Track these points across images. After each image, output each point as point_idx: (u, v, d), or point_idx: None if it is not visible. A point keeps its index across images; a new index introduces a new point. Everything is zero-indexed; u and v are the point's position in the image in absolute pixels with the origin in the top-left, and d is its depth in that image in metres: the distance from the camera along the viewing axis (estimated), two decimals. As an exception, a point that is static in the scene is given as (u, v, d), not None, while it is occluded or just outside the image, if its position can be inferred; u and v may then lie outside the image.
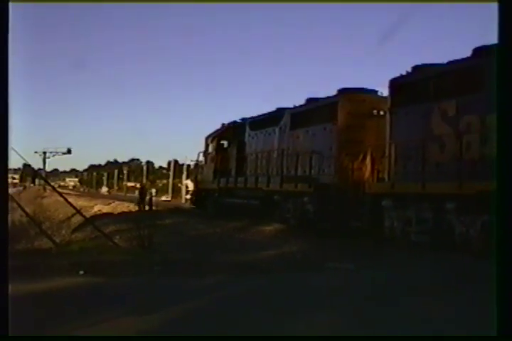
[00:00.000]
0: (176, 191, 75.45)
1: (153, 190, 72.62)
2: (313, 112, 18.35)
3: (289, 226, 17.87)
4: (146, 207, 28.54)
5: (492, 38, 3.85)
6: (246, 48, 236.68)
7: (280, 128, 20.28)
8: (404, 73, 14.53)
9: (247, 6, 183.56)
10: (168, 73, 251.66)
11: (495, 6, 3.72)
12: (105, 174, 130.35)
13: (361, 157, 15.65)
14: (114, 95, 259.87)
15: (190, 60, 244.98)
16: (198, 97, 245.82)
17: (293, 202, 18.62)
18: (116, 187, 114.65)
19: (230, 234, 17.05)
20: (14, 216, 19.31)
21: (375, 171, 14.95)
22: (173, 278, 8.99)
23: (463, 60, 12.66)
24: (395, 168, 14.06)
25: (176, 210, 30.02)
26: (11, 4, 3.76)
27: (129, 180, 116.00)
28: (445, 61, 13.35)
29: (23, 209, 17.30)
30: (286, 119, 19.93)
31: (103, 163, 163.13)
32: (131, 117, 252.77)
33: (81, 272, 9.06)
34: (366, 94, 17.09)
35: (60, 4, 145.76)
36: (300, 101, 19.94)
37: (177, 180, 79.69)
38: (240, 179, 22.78)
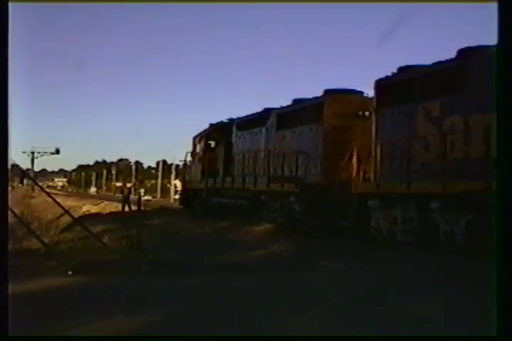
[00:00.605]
0: (165, 191, 75.40)
1: (142, 190, 72.52)
2: (300, 113, 18.44)
3: (278, 226, 17.96)
4: (128, 208, 28.67)
5: (492, 37, 3.86)
6: (240, 48, 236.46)
7: (267, 129, 20.36)
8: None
9: (246, 6, 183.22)
10: (159, 73, 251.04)
11: (495, 6, 3.72)
12: (94, 174, 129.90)
13: (347, 157, 15.75)
14: (103, 95, 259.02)
15: (181, 60, 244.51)
16: (187, 97, 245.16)
17: (280, 201, 18.71)
18: (105, 188, 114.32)
19: (219, 233, 17.16)
20: None
21: (362, 171, 15.04)
22: (162, 278, 9.02)
23: (447, 61, 12.78)
24: (381, 167, 14.17)
25: (162, 209, 30.20)
26: (10, 4, 3.76)
27: (117, 180, 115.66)
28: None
29: (11, 210, 17.00)
30: (272, 120, 20.01)
31: (92, 162, 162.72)
32: (120, 117, 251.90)
33: (70, 272, 9.10)
34: (352, 94, 17.21)
35: (60, 4, 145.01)
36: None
37: (166, 180, 79.56)
38: (227, 179, 22.86)
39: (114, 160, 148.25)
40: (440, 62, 12.96)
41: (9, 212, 16.68)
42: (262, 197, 19.78)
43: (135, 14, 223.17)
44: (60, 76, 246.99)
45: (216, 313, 6.60)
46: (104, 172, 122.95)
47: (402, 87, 13.93)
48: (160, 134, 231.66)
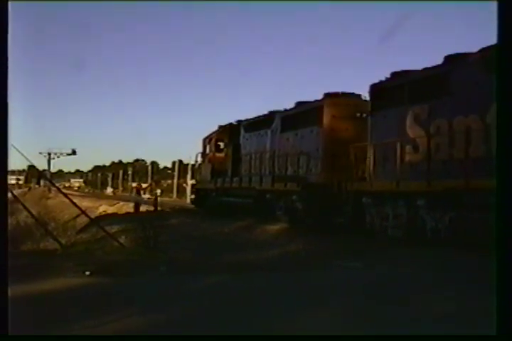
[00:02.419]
0: (181, 191, 75.87)
1: (158, 191, 73.30)
2: (301, 115, 19.35)
3: (294, 226, 18.23)
4: (136, 209, 28.97)
5: (492, 37, 3.83)
6: (249, 48, 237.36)
7: (272, 131, 21.28)
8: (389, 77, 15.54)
9: (248, 6, 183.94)
10: (170, 73, 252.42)
11: (495, 6, 3.73)
12: (110, 175, 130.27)
13: (345, 157, 16.62)
14: (118, 96, 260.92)
15: (192, 61, 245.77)
16: (203, 97, 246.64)
17: (284, 200, 19.66)
18: (121, 188, 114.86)
19: (236, 233, 17.53)
20: (19, 217, 19.98)
21: (358, 171, 15.92)
22: (180, 277, 9.06)
23: (434, 66, 13.63)
24: (375, 167, 15.04)
25: (179, 210, 30.60)
26: (10, 4, 3.73)
27: (133, 181, 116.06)
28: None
29: (28, 211, 17.66)
30: (277, 122, 20.93)
31: (108, 163, 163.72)
32: (136, 117, 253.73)
33: (87, 273, 9.13)
34: (350, 98, 18.10)
35: (60, 4, 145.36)
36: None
37: (182, 180, 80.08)
38: (235, 179, 23.81)
39: (130, 160, 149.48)
40: (428, 68, 13.82)
41: (26, 213, 17.48)
42: (267, 195, 20.75)
43: (140, 13, 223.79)
44: (71, 76, 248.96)
45: (235, 312, 6.63)
46: (121, 172, 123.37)
47: (394, 91, 14.75)
48: (175, 134, 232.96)
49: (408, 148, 13.83)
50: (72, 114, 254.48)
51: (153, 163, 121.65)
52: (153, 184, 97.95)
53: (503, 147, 3.62)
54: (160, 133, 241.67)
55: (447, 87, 12.82)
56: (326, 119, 17.91)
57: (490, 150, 11.18)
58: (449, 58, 13.26)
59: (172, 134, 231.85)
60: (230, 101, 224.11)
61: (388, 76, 15.41)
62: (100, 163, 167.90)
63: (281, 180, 19.66)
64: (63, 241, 14.52)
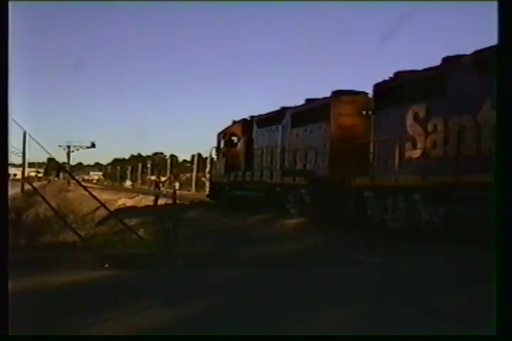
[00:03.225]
0: (200, 185, 76.24)
1: (177, 184, 73.86)
2: (310, 112, 20.15)
3: (311, 220, 18.53)
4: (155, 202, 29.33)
5: (492, 37, 3.94)
6: (264, 44, 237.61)
7: (283, 126, 22.11)
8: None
9: (251, 5, 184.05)
10: (188, 68, 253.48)
11: (495, 6, 3.79)
12: (129, 168, 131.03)
13: (350, 153, 17.42)
14: (138, 88, 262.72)
15: (211, 54, 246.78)
16: (223, 91, 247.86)
17: (292, 193, 20.54)
18: (140, 181, 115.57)
19: (254, 226, 17.95)
20: (39, 209, 19.92)
21: (361, 166, 16.71)
22: (199, 270, 9.18)
23: (431, 67, 14.38)
24: (377, 163, 15.85)
25: (197, 203, 30.53)
26: (10, 4, 3.73)
27: (152, 174, 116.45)
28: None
29: (47, 203, 17.90)
30: (287, 118, 21.76)
31: (127, 156, 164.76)
32: (156, 110, 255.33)
33: (106, 265, 9.22)
34: (356, 95, 18.84)
35: (60, 4, 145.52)
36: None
37: (201, 174, 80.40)
38: (247, 173, 24.72)
39: (149, 153, 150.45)
40: (426, 69, 14.57)
41: (46, 205, 17.97)
42: (277, 189, 21.65)
43: (140, 12, 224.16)
44: (88, 70, 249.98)
45: (252, 307, 6.69)
46: (140, 165, 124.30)
47: (396, 90, 15.51)
48: (195, 128, 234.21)
49: (407, 145, 14.60)
50: (92, 107, 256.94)
51: (172, 157, 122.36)
52: (172, 177, 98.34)
53: (503, 146, 3.60)
54: (180, 126, 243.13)
55: (443, 88, 13.55)
56: (333, 116, 18.69)
57: (480, 148, 11.98)
58: (445, 60, 14.00)
59: (192, 128, 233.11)
60: (250, 96, 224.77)
61: (391, 75, 16.19)
62: (119, 156, 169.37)
63: (291, 174, 20.52)
64: (82, 234, 14.68)
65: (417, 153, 14.22)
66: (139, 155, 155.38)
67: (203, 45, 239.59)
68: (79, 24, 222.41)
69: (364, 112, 18.09)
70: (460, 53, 13.69)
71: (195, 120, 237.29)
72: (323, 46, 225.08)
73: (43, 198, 18.94)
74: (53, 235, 14.70)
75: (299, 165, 20.38)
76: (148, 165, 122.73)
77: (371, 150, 16.15)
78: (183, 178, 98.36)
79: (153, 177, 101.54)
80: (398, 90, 15.36)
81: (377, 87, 16.43)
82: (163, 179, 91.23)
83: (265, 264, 10.06)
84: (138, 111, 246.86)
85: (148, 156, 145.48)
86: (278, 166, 22.00)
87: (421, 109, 14.30)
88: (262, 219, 19.73)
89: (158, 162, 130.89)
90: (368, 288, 7.81)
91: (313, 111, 19.94)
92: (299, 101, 22.06)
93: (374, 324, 5.94)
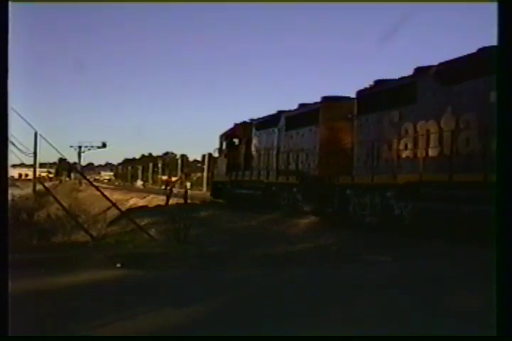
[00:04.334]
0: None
1: (188, 184, 74.85)
2: (302, 116, 21.75)
3: (320, 219, 18.94)
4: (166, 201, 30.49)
5: (492, 37, 3.89)
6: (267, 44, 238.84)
7: (278, 129, 23.72)
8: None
9: (252, 6, 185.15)
10: (198, 68, 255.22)
11: (495, 6, 3.74)
12: (140, 168, 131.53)
13: (338, 154, 18.98)
14: (149, 88, 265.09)
15: (223, 54, 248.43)
16: (231, 91, 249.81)
17: (287, 192, 22.18)
18: (151, 181, 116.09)
19: (265, 226, 18.14)
20: (51, 209, 20.82)
21: (346, 166, 18.25)
22: (211, 270, 9.19)
23: (406, 77, 15.88)
24: (357, 163, 17.41)
25: (208, 203, 30.94)
26: (10, 4, 3.75)
27: (163, 174, 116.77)
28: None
29: (59, 203, 18.17)
30: (282, 121, 23.37)
31: (138, 156, 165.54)
32: (166, 111, 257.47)
33: (118, 265, 9.25)
34: (343, 101, 20.32)
35: (60, 4, 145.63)
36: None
37: (211, 174, 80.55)
38: (247, 173, 26.49)
39: (160, 153, 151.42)
40: (400, 78, 16.08)
41: (57, 205, 18.52)
42: (273, 188, 23.34)
43: (140, 13, 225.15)
44: (89, 71, 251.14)
45: (264, 306, 6.72)
46: (151, 165, 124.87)
47: (375, 97, 17.04)
48: (206, 128, 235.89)
49: (383, 147, 16.14)
50: (103, 107, 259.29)
51: (183, 156, 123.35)
52: (183, 177, 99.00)
53: (503, 146, 3.62)
54: (190, 126, 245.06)
55: (414, 96, 15.06)
56: (322, 120, 20.27)
57: (442, 150, 13.54)
58: (416, 70, 15.50)
59: (203, 128, 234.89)
60: (257, 97, 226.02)
61: (372, 83, 17.73)
62: (130, 156, 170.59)
63: (284, 174, 22.20)
64: (94, 234, 14.70)
65: (390, 155, 15.75)
66: (150, 155, 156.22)
67: (208, 46, 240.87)
68: (79, 24, 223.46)
69: (350, 116, 19.64)
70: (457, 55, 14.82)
71: (205, 120, 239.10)
72: (323, 46, 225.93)
73: (55, 198, 19.60)
74: (65, 235, 14.82)
75: (292, 166, 22.00)
76: (159, 165, 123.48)
77: (353, 151, 17.68)
78: (194, 178, 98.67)
79: (164, 177, 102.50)
80: (377, 97, 16.88)
81: (359, 94, 17.98)
82: (174, 179, 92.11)
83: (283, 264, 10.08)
84: (148, 112, 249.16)
85: (159, 156, 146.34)
86: (274, 166, 23.64)
87: (395, 115, 15.81)
88: (274, 219, 19.87)
89: (169, 162, 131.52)
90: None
91: (305, 115, 21.52)
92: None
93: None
